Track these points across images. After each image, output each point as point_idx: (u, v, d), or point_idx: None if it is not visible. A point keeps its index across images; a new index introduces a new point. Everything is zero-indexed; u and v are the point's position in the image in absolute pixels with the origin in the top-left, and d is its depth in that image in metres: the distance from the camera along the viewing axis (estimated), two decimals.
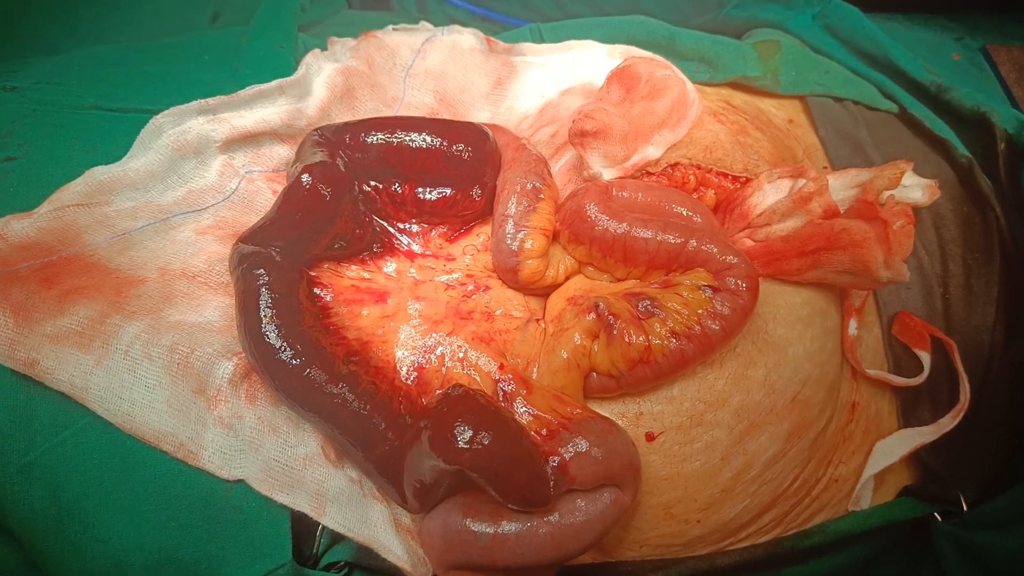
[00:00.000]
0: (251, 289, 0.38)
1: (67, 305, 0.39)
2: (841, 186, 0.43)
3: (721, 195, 0.46)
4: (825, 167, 0.51)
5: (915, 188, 0.44)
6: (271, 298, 0.37)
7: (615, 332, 0.38)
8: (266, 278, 0.38)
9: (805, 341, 0.42)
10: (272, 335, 0.37)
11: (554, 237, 0.44)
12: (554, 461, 0.36)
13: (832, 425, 0.43)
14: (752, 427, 0.40)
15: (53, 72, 0.48)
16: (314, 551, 0.40)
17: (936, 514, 0.42)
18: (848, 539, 0.40)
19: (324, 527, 0.39)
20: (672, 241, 0.40)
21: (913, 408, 0.46)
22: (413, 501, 0.38)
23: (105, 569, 0.37)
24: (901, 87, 0.55)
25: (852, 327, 0.44)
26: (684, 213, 0.43)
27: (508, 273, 0.43)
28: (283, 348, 0.36)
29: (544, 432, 0.37)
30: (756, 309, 0.39)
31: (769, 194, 0.44)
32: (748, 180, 0.46)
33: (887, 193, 0.41)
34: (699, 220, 0.43)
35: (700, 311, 0.38)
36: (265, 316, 0.37)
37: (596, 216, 0.41)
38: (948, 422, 0.43)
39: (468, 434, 0.34)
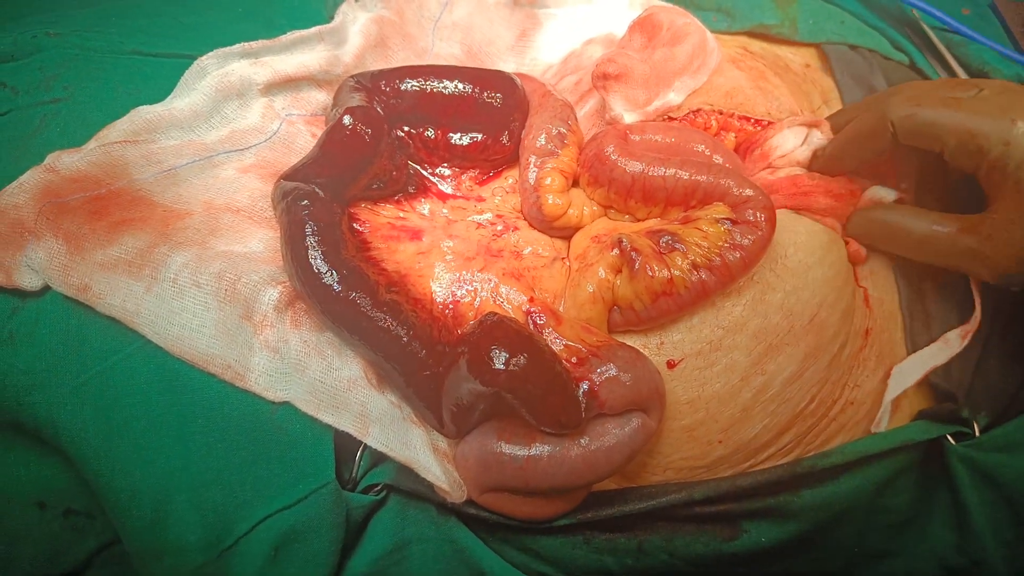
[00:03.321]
0: (296, 219, 0.39)
1: (116, 235, 0.40)
2: None
3: (741, 138, 0.48)
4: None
5: None
6: (316, 226, 0.39)
7: (637, 267, 0.40)
8: (311, 208, 0.40)
9: (824, 266, 0.43)
10: (318, 261, 0.38)
11: (575, 181, 0.46)
12: (585, 386, 0.38)
13: (847, 349, 0.44)
14: (770, 348, 0.42)
15: (92, 21, 0.49)
16: (353, 474, 0.41)
17: (949, 436, 0.43)
18: (865, 459, 0.42)
19: (363, 451, 0.41)
20: (688, 177, 0.41)
21: (923, 329, 0.47)
22: (450, 425, 0.40)
23: (153, 488, 0.38)
24: (911, 40, 0.57)
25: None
26: (703, 151, 0.44)
27: (533, 209, 0.44)
28: (329, 272, 0.38)
29: (574, 360, 0.39)
30: (774, 238, 0.41)
31: (789, 138, 0.46)
32: (771, 123, 0.47)
33: None
34: (718, 158, 0.44)
35: (720, 243, 0.40)
36: (311, 243, 0.39)
37: (614, 157, 0.43)
38: (957, 342, 0.44)
39: (504, 356, 0.36)
